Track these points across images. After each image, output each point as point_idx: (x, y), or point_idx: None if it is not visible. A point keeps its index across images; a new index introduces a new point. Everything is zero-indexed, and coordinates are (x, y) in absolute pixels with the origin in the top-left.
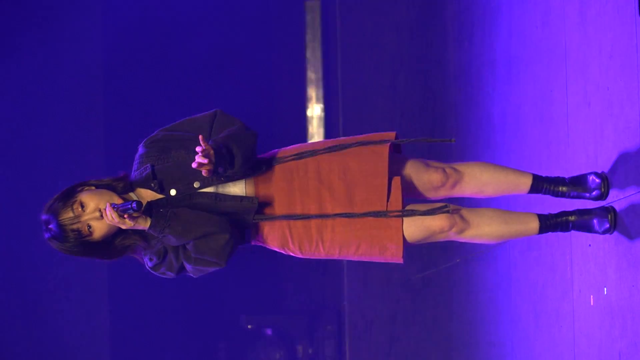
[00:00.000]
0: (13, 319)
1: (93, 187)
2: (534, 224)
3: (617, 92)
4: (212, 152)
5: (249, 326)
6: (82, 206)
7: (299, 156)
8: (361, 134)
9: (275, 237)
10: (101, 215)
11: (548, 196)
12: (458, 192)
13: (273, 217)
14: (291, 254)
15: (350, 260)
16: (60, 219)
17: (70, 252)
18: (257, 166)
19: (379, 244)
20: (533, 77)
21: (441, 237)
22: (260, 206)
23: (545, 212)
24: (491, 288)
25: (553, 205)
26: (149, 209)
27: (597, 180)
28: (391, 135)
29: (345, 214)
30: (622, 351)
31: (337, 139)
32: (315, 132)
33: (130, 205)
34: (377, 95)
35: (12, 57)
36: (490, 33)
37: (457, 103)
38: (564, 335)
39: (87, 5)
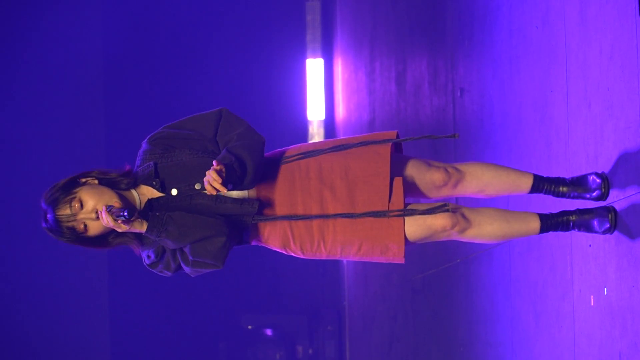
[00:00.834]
0: (13, 319)
1: (96, 181)
2: (535, 224)
3: (617, 92)
4: (224, 170)
5: (249, 326)
6: (81, 204)
7: (301, 156)
8: (361, 134)
9: (276, 237)
10: (97, 217)
11: (549, 196)
12: (460, 191)
13: (274, 218)
14: (292, 254)
15: (351, 261)
16: (57, 214)
17: (64, 241)
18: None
19: (380, 244)
20: (533, 77)
21: (443, 237)
22: (262, 206)
23: (546, 212)
24: (491, 288)
25: (553, 205)
26: (149, 208)
27: (598, 181)
28: (392, 134)
29: (347, 214)
30: (623, 351)
31: (338, 139)
32: (316, 133)
33: (122, 213)
34: (377, 95)
35: (12, 56)
36: (490, 33)
37: (457, 103)
38: (564, 335)
39: (87, 5)
